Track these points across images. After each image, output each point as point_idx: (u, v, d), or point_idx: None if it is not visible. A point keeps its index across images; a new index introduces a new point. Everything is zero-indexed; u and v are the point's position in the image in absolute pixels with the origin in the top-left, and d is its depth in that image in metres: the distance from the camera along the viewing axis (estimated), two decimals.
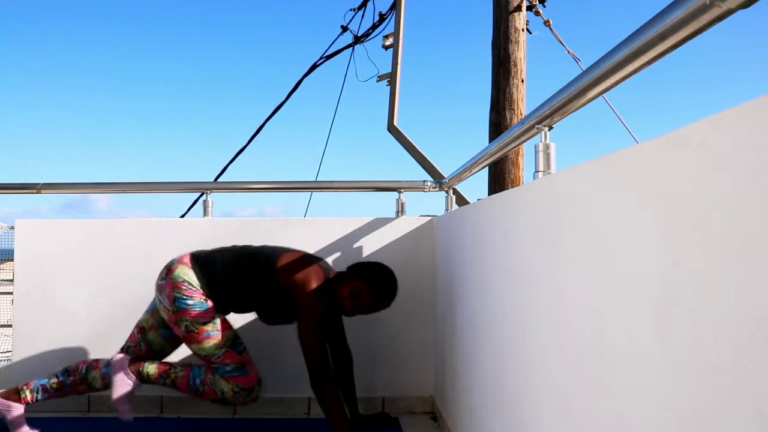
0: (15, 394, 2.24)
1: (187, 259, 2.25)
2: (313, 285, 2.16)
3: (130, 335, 2.38)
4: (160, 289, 2.23)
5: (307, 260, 2.25)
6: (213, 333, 2.17)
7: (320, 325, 2.15)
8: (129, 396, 2.22)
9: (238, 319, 2.71)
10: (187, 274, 2.20)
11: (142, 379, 2.24)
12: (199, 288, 2.19)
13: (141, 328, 2.35)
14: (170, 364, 2.26)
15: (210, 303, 2.19)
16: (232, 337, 2.21)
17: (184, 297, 2.17)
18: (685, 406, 0.68)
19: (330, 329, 2.37)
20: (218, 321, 2.19)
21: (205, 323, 2.16)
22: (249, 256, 2.26)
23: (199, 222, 2.81)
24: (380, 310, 2.28)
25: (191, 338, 2.18)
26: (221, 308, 2.26)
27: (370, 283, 2.20)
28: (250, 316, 2.72)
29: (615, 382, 0.86)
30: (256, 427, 2.51)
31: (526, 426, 1.27)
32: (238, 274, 2.22)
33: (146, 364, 2.25)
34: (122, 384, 2.21)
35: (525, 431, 1.28)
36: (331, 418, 2.10)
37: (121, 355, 2.26)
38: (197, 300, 2.17)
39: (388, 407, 2.69)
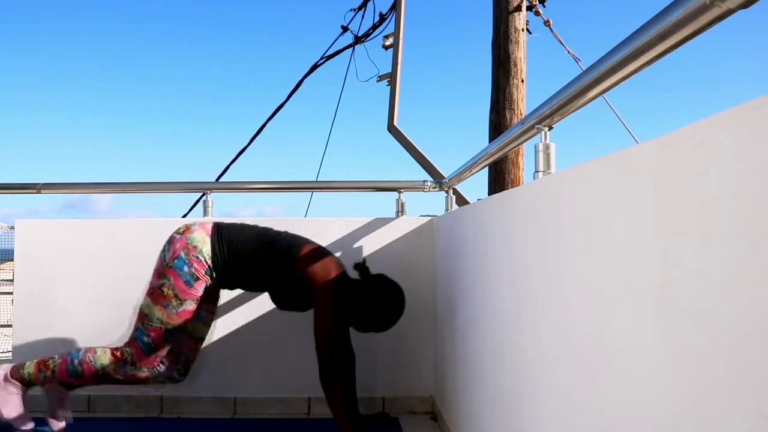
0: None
1: (209, 227, 2.24)
2: (332, 278, 2.17)
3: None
4: (171, 240, 2.21)
5: (324, 253, 2.26)
6: (172, 308, 2.14)
7: (336, 317, 2.16)
8: (20, 406, 2.19)
9: (241, 319, 2.72)
10: (203, 241, 2.18)
11: (25, 382, 2.20)
12: (207, 259, 2.16)
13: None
14: (48, 357, 2.23)
15: (200, 284, 2.16)
16: (177, 327, 2.16)
17: (186, 261, 2.15)
18: (685, 406, 0.68)
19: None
20: (186, 305, 2.15)
21: (176, 295, 2.14)
22: (271, 240, 2.25)
23: (193, 221, 2.81)
24: (375, 331, 2.33)
25: (154, 294, 2.16)
26: (229, 283, 2.24)
27: (374, 310, 2.24)
28: (252, 316, 2.73)
29: (615, 382, 0.86)
30: (256, 427, 2.51)
31: (526, 426, 1.27)
32: (257, 255, 2.20)
33: (26, 364, 2.21)
34: (6, 395, 2.17)
35: (525, 431, 1.28)
36: (336, 414, 2.13)
37: (4, 365, 2.23)
38: (192, 272, 2.14)
39: (388, 407, 2.69)
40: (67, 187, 3.09)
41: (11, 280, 2.90)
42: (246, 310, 2.73)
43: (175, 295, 2.14)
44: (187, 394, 2.69)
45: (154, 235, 2.72)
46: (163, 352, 2.20)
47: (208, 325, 2.35)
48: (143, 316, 2.18)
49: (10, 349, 2.80)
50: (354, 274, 2.37)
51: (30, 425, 2.21)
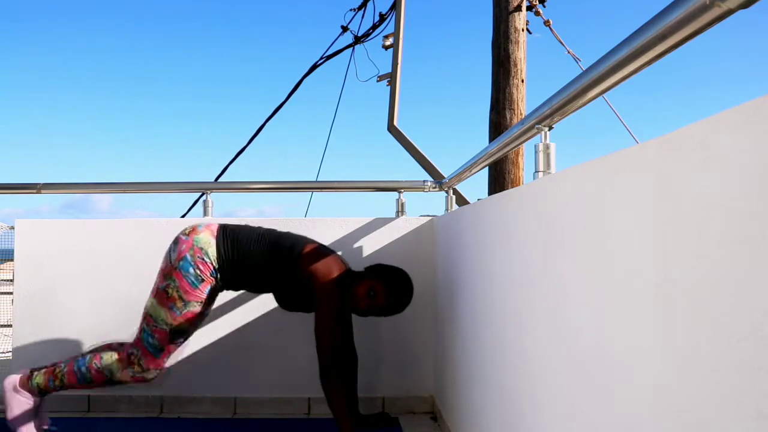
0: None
1: (214, 228, 2.25)
2: (333, 277, 2.18)
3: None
4: (177, 241, 2.22)
5: (327, 252, 2.27)
6: (176, 309, 2.14)
7: (337, 316, 2.16)
8: (28, 415, 2.19)
9: (241, 319, 2.72)
10: (209, 242, 2.19)
11: (35, 392, 2.20)
12: (213, 261, 2.17)
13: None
14: (54, 365, 2.23)
15: (205, 285, 2.16)
16: (182, 328, 2.17)
17: (192, 263, 2.15)
18: (685, 406, 0.68)
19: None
20: (191, 306, 2.15)
21: (181, 296, 2.14)
22: (275, 240, 2.26)
23: (200, 222, 2.81)
24: (393, 314, 2.31)
25: (160, 296, 2.16)
26: (233, 284, 2.25)
27: (388, 286, 2.23)
28: (252, 316, 2.73)
29: (615, 382, 0.86)
30: (256, 427, 2.51)
31: (526, 426, 1.27)
32: (262, 255, 2.21)
33: (34, 374, 2.21)
34: (17, 404, 2.18)
35: (525, 431, 1.28)
36: (335, 414, 2.13)
37: (12, 376, 2.22)
38: (198, 273, 2.15)
39: (388, 407, 2.69)
40: (67, 187, 3.09)
41: (11, 280, 2.90)
42: (246, 310, 2.73)
43: (180, 297, 2.14)
44: (187, 394, 2.69)
45: (154, 235, 2.73)
46: (170, 352, 2.19)
47: (196, 327, 2.34)
48: (148, 317, 2.17)
49: (10, 350, 2.80)
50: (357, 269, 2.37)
51: None
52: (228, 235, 2.23)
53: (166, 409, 2.70)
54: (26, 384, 2.20)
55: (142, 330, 2.18)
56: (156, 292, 2.18)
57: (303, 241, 2.28)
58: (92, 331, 2.72)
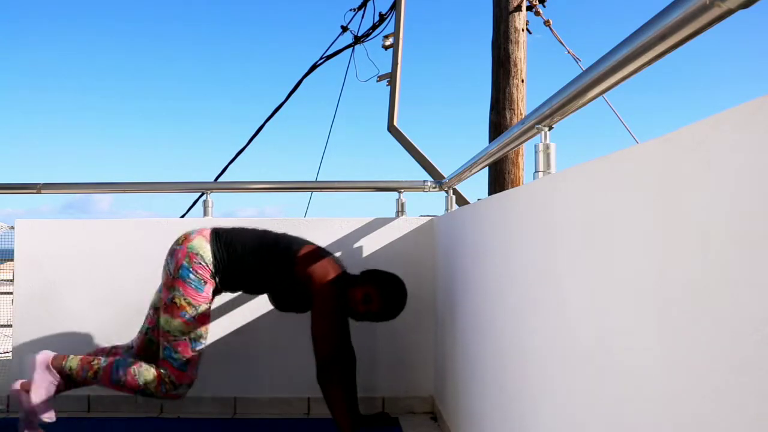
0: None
1: (206, 233, 2.26)
2: (330, 279, 2.18)
3: (147, 317, 2.40)
4: (172, 252, 2.24)
5: (324, 254, 2.28)
6: (188, 316, 2.15)
7: (333, 318, 2.17)
8: (50, 395, 2.19)
9: (241, 319, 2.72)
10: (203, 247, 2.21)
11: (65, 375, 2.20)
12: (209, 265, 2.19)
13: (156, 309, 2.35)
14: (94, 356, 2.24)
15: (208, 287, 2.18)
16: (199, 333, 2.18)
17: (190, 269, 2.17)
18: (685, 407, 0.68)
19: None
20: (201, 309, 2.17)
21: (189, 303, 2.15)
22: (270, 242, 2.27)
23: (199, 222, 2.81)
24: (386, 320, 2.33)
25: (169, 309, 2.17)
26: (231, 286, 2.27)
27: (383, 292, 2.24)
28: (252, 316, 2.72)
29: (615, 382, 0.86)
30: (256, 427, 2.51)
31: (526, 426, 1.27)
32: (256, 257, 2.22)
33: (69, 357, 2.22)
34: (44, 381, 2.18)
35: (525, 431, 1.28)
36: (334, 414, 2.13)
37: (47, 352, 2.23)
38: (199, 278, 2.17)
39: (388, 407, 2.69)
40: (67, 187, 3.10)
41: (11, 280, 2.90)
42: (246, 311, 2.73)
43: (189, 303, 2.16)
44: (187, 394, 2.68)
45: (154, 235, 2.72)
46: (197, 363, 2.19)
47: (208, 329, 2.36)
48: (166, 334, 2.18)
49: (10, 350, 2.80)
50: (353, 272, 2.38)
51: (52, 416, 2.21)
52: (221, 238, 2.25)
53: (166, 409, 2.70)
54: (59, 364, 2.21)
55: (163, 348, 2.18)
56: (165, 307, 2.19)
57: (299, 242, 2.29)
58: (92, 331, 2.72)
